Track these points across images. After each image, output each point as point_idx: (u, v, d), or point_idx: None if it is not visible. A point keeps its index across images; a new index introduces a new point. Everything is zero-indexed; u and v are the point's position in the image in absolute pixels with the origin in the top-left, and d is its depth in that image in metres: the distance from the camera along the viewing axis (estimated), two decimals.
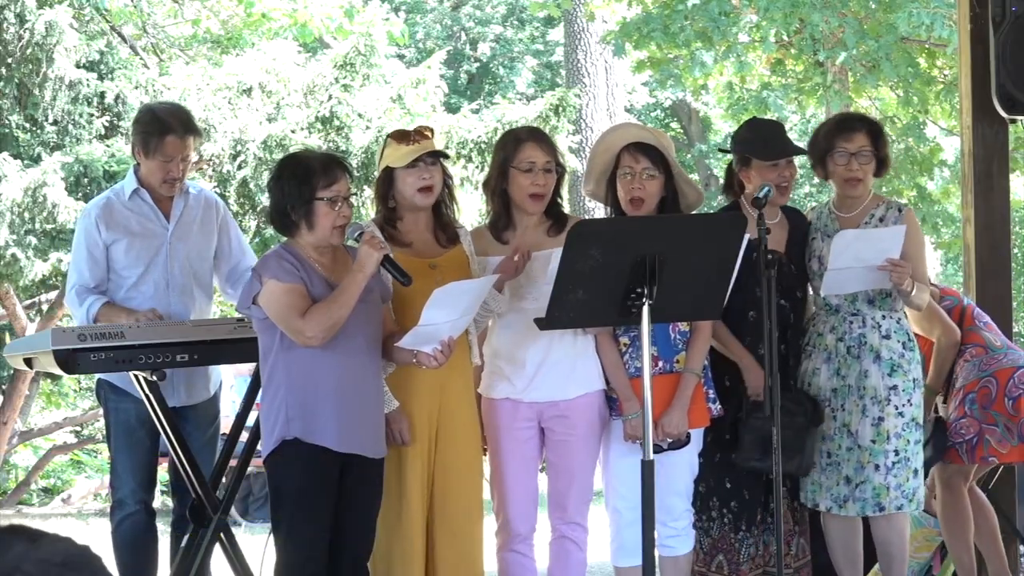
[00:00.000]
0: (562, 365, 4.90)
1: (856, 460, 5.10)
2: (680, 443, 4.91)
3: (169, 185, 5.26)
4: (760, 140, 5.18)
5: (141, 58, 12.06)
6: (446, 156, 4.89)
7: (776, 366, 4.82)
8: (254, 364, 4.81)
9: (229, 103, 10.45)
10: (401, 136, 4.82)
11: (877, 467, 5.07)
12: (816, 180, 5.48)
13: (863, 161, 5.15)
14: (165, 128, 5.19)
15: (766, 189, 4.91)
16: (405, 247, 4.81)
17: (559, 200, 5.01)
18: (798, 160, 5.39)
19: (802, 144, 5.49)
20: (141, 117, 5.37)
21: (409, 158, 4.75)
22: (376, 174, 4.99)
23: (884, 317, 5.15)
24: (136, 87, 10.42)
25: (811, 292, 5.31)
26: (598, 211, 5.38)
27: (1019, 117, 6.04)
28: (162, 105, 5.61)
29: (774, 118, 11.87)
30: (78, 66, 10.14)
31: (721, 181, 5.76)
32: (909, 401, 5.11)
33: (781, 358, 5.00)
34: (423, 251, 4.84)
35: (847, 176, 5.17)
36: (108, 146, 10.14)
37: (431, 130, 4.90)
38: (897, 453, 5.09)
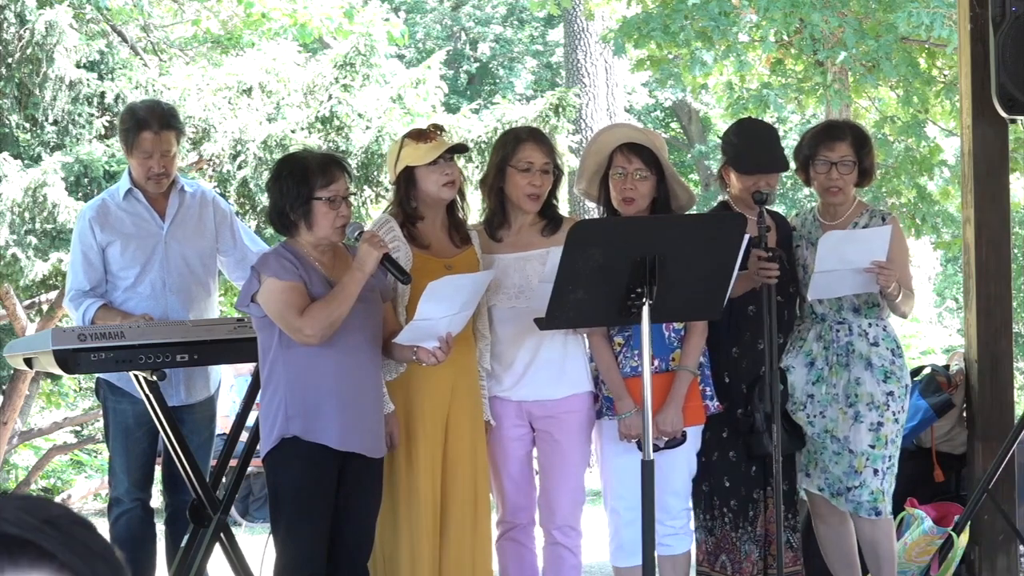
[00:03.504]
0: (551, 365, 4.91)
1: (848, 465, 5.11)
2: (676, 441, 4.91)
3: (154, 182, 5.26)
4: (742, 147, 5.16)
5: (141, 58, 12.06)
6: (467, 149, 4.95)
7: (776, 362, 4.83)
8: (254, 364, 4.81)
9: (229, 103, 10.44)
10: (419, 135, 4.83)
11: (875, 471, 5.07)
12: None
13: (844, 171, 5.14)
14: (141, 124, 5.20)
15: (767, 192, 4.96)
16: (424, 248, 4.82)
17: (555, 201, 5.02)
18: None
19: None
20: (122, 115, 5.41)
21: (433, 154, 4.76)
22: (389, 176, 4.99)
23: (871, 325, 5.16)
24: (136, 87, 10.41)
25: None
26: (596, 211, 5.39)
27: (1019, 117, 6.03)
28: (143, 103, 5.62)
29: (773, 118, 11.88)
30: (78, 66, 10.13)
31: None
32: (902, 408, 5.15)
33: (780, 351, 5.10)
34: (440, 251, 4.85)
35: (827, 185, 5.17)
36: (108, 146, 10.13)
37: (443, 127, 4.94)
38: (890, 459, 5.11)
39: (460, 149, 4.90)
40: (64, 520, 1.22)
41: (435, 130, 4.82)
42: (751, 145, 5.17)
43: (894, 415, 5.11)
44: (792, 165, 5.42)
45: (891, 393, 5.10)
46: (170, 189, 5.34)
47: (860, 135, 5.30)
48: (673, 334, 4.96)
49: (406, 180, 4.84)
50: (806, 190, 19.46)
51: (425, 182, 4.81)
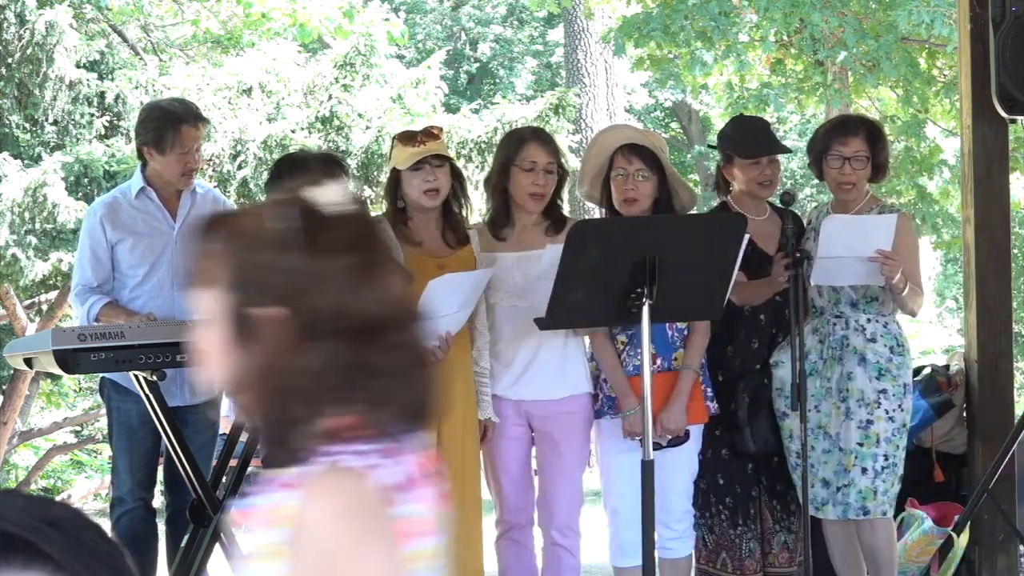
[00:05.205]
0: (550, 365, 4.91)
1: (837, 463, 5.07)
2: (679, 440, 4.91)
3: (187, 177, 5.25)
4: (742, 138, 5.19)
5: (141, 58, 12.06)
6: (448, 159, 4.89)
7: (803, 362, 4.82)
8: None
9: (229, 103, 10.45)
10: (407, 138, 4.82)
11: (864, 470, 5.03)
12: (817, 180, 5.52)
13: (857, 166, 5.11)
14: (179, 119, 5.19)
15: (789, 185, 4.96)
16: (415, 246, 4.81)
17: (559, 201, 5.02)
18: (798, 162, 5.41)
19: (800, 143, 5.51)
20: (150, 115, 5.34)
21: (412, 160, 4.76)
22: (385, 174, 5.00)
23: (869, 320, 5.12)
24: (136, 87, 10.42)
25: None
26: (598, 211, 5.40)
27: (1019, 117, 6.02)
28: (169, 100, 5.63)
29: (773, 118, 11.89)
30: (78, 66, 10.14)
31: None
32: (900, 406, 5.08)
33: (774, 346, 5.14)
34: (432, 251, 4.85)
35: (840, 180, 5.15)
36: (108, 146, 10.13)
37: (439, 129, 4.91)
38: (887, 458, 5.06)
39: (440, 158, 4.82)
40: (69, 522, 1.19)
41: (425, 135, 4.80)
42: (749, 133, 5.20)
43: (887, 413, 5.05)
44: (792, 156, 5.44)
45: (884, 391, 5.05)
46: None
47: (874, 130, 5.27)
48: (676, 333, 4.96)
49: (394, 181, 4.86)
50: (808, 190, 19.49)
51: (408, 186, 4.82)
